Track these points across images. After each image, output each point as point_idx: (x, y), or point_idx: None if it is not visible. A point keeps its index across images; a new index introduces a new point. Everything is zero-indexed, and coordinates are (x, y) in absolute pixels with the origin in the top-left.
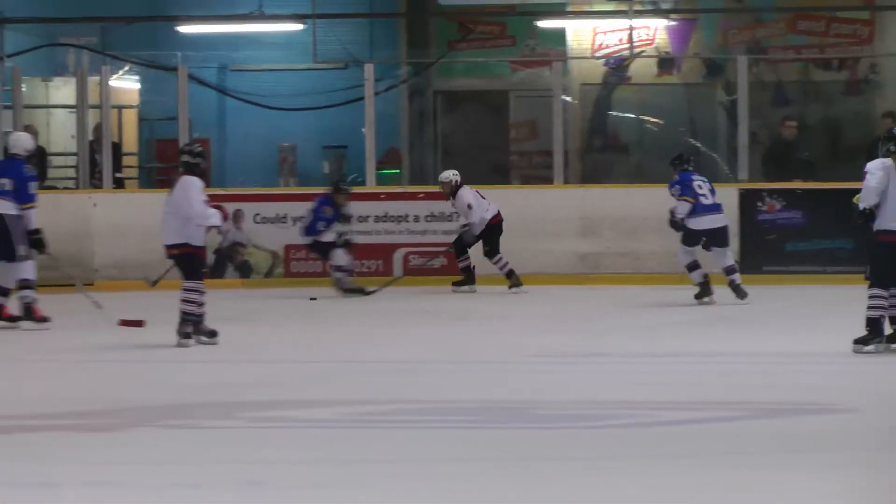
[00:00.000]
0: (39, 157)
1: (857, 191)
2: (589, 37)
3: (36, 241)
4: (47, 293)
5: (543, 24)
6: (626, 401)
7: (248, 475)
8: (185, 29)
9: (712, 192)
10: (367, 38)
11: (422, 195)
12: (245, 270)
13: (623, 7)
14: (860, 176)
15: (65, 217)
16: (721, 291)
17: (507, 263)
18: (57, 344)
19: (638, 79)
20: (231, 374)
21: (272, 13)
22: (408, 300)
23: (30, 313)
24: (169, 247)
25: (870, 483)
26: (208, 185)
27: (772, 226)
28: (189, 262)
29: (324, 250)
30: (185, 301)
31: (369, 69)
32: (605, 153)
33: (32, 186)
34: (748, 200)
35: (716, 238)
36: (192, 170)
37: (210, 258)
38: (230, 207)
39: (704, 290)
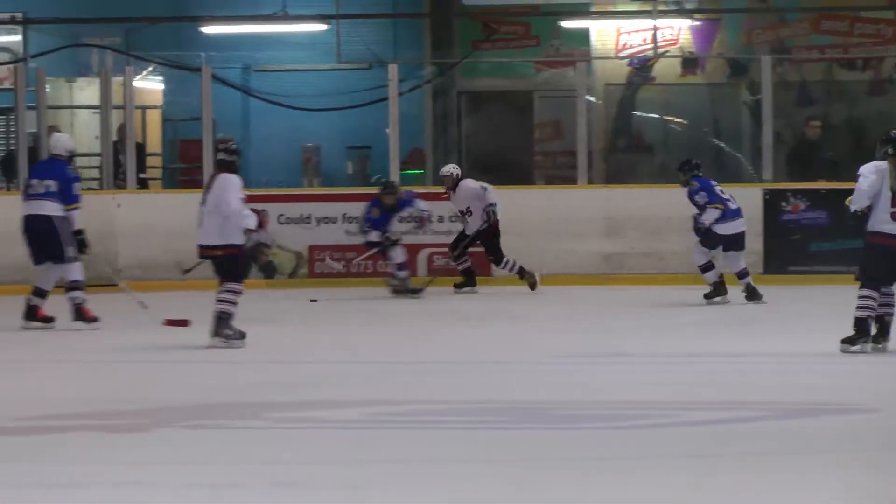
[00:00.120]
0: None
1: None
2: (613, 37)
3: (80, 241)
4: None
5: (567, 24)
6: (645, 401)
7: (275, 476)
8: (208, 29)
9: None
10: (391, 38)
11: (446, 195)
12: (269, 271)
13: (647, 7)
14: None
15: (89, 218)
16: (734, 293)
17: (514, 263)
18: (92, 344)
19: (662, 79)
20: (258, 375)
21: (296, 13)
22: (436, 301)
23: (80, 314)
24: (210, 247)
25: None
26: None
27: (796, 226)
28: (232, 262)
29: (380, 250)
30: (223, 301)
31: (393, 69)
32: (629, 153)
33: (76, 187)
34: (772, 200)
35: (736, 243)
36: (228, 167)
37: None
38: (254, 208)
39: (717, 290)
